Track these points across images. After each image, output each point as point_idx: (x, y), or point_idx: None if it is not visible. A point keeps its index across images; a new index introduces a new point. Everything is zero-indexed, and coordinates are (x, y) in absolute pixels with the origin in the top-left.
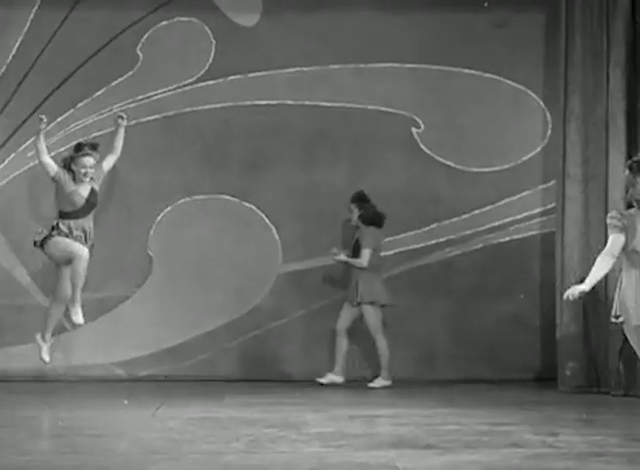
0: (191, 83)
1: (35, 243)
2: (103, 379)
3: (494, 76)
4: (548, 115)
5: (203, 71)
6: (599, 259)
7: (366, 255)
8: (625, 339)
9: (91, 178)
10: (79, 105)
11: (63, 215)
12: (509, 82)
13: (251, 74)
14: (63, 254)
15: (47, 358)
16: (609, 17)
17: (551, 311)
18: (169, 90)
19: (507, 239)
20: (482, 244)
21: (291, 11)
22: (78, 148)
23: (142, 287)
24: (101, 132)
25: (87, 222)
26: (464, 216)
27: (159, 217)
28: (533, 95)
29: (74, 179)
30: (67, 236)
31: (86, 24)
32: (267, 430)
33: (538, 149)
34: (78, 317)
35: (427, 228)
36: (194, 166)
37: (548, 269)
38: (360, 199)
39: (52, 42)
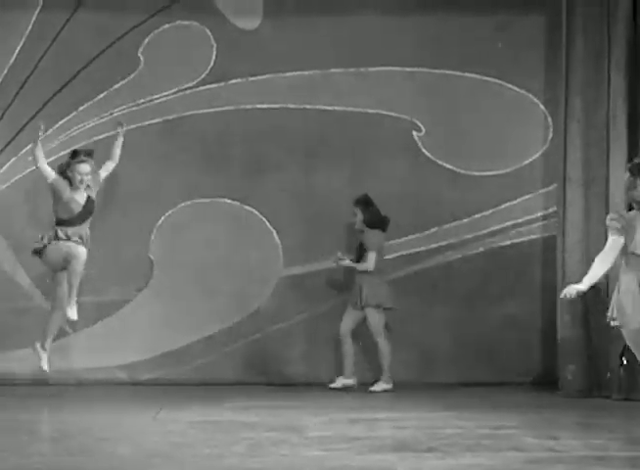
0: (192, 87)
1: (36, 251)
2: (104, 382)
3: (495, 80)
4: (549, 118)
5: (204, 75)
6: (597, 259)
7: (372, 258)
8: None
9: (87, 186)
10: (81, 108)
11: (60, 223)
12: (510, 86)
13: (251, 78)
14: (61, 255)
15: (46, 367)
16: (609, 19)
17: (552, 315)
18: (170, 93)
19: (508, 243)
20: (483, 248)
21: (292, 15)
22: (74, 155)
23: (143, 291)
24: (102, 136)
25: (84, 229)
26: (465, 220)
27: (160, 221)
28: (534, 98)
29: (71, 186)
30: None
31: (88, 28)
32: (268, 433)
33: (539, 152)
34: (73, 313)
35: (428, 232)
36: (195, 170)
37: (549, 273)
38: (364, 202)
39: (53, 45)
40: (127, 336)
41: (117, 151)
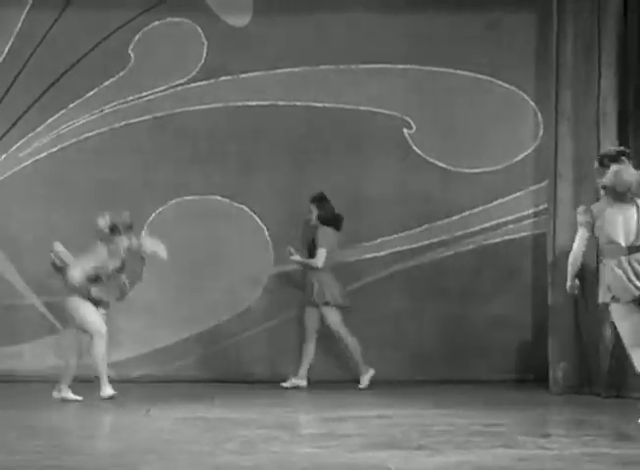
0: (182, 84)
1: (55, 266)
2: (95, 380)
3: (486, 77)
4: (540, 115)
5: (194, 72)
6: (570, 258)
7: (322, 254)
8: (617, 340)
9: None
10: (71, 105)
11: (88, 278)
12: (500, 83)
13: (242, 75)
14: (79, 324)
15: (77, 397)
16: (600, 17)
17: (543, 312)
18: (161, 91)
19: (499, 240)
20: (474, 245)
21: (282, 12)
22: (113, 230)
23: (133, 288)
24: (92, 133)
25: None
26: (455, 217)
27: (150, 218)
28: (525, 95)
29: (107, 251)
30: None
31: (78, 25)
32: (260, 431)
33: (530, 149)
34: (106, 391)
35: (418, 229)
36: (185, 167)
37: (540, 270)
38: (319, 199)
39: (43, 43)
40: (117, 333)
41: (160, 246)
